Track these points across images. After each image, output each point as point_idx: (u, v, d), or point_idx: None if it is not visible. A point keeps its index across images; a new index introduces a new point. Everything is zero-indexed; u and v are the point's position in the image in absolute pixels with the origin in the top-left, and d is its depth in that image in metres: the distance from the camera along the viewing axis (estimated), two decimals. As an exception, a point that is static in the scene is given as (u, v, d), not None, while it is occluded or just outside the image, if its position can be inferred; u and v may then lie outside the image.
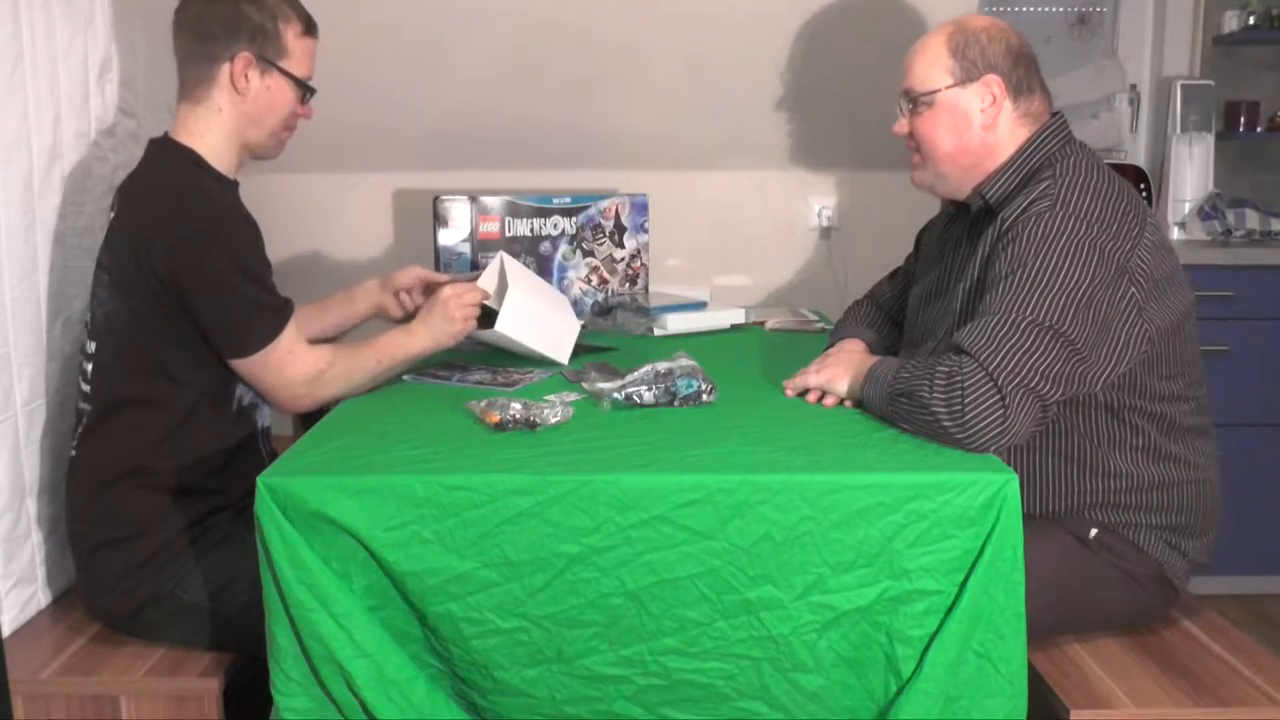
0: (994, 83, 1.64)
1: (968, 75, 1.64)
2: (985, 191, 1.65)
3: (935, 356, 1.49)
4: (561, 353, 1.96)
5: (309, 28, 1.76)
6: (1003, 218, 1.58)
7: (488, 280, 1.96)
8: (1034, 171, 1.62)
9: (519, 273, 1.97)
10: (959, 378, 1.41)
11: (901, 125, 1.72)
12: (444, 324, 1.81)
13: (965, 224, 1.74)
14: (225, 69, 1.68)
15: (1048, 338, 1.43)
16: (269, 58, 1.70)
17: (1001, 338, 1.43)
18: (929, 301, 1.79)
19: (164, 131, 1.75)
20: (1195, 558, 1.64)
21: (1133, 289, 1.50)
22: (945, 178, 1.71)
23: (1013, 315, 1.45)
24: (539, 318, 1.92)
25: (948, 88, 1.65)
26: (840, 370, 1.64)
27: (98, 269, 1.69)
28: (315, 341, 1.95)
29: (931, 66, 1.66)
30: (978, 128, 1.65)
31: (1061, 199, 1.53)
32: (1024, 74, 1.66)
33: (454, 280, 1.96)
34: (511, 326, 1.87)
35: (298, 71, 1.74)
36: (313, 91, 1.78)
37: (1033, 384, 1.41)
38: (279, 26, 1.70)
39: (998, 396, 1.40)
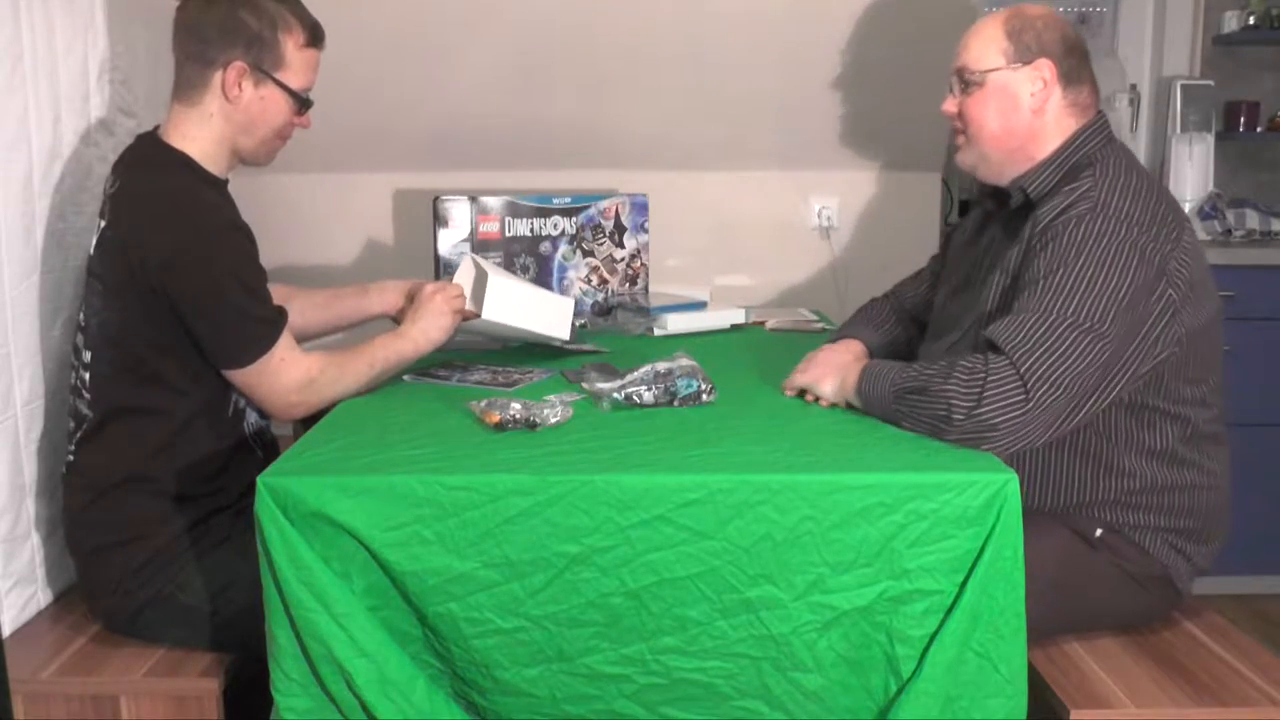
0: (1046, 67, 1.64)
1: (1021, 58, 1.65)
2: (1026, 185, 1.65)
3: (955, 357, 1.49)
4: (560, 328, 1.95)
5: (313, 38, 1.71)
6: (1040, 215, 1.58)
7: (460, 278, 1.96)
8: (1074, 169, 1.62)
9: (494, 266, 1.97)
10: (982, 372, 1.41)
11: (950, 104, 1.73)
12: (435, 319, 1.80)
13: (1001, 220, 1.74)
14: (218, 76, 1.65)
15: (1085, 341, 1.42)
16: (265, 68, 1.66)
17: (1038, 338, 1.42)
18: (957, 294, 1.79)
19: (154, 125, 1.73)
20: (1199, 563, 1.64)
21: (1170, 291, 1.50)
22: (989, 159, 1.70)
23: (1051, 316, 1.44)
24: (525, 300, 1.91)
25: (1000, 69, 1.65)
26: (823, 371, 1.64)
27: (90, 276, 1.68)
28: (316, 334, 1.95)
29: (987, 47, 1.67)
30: (1026, 111, 1.65)
31: (1102, 201, 1.53)
32: (1076, 64, 1.66)
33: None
34: (499, 311, 1.86)
35: (295, 84, 1.69)
36: (309, 104, 1.74)
37: (1057, 399, 1.40)
38: (278, 36, 1.66)
39: (1022, 396, 1.39)
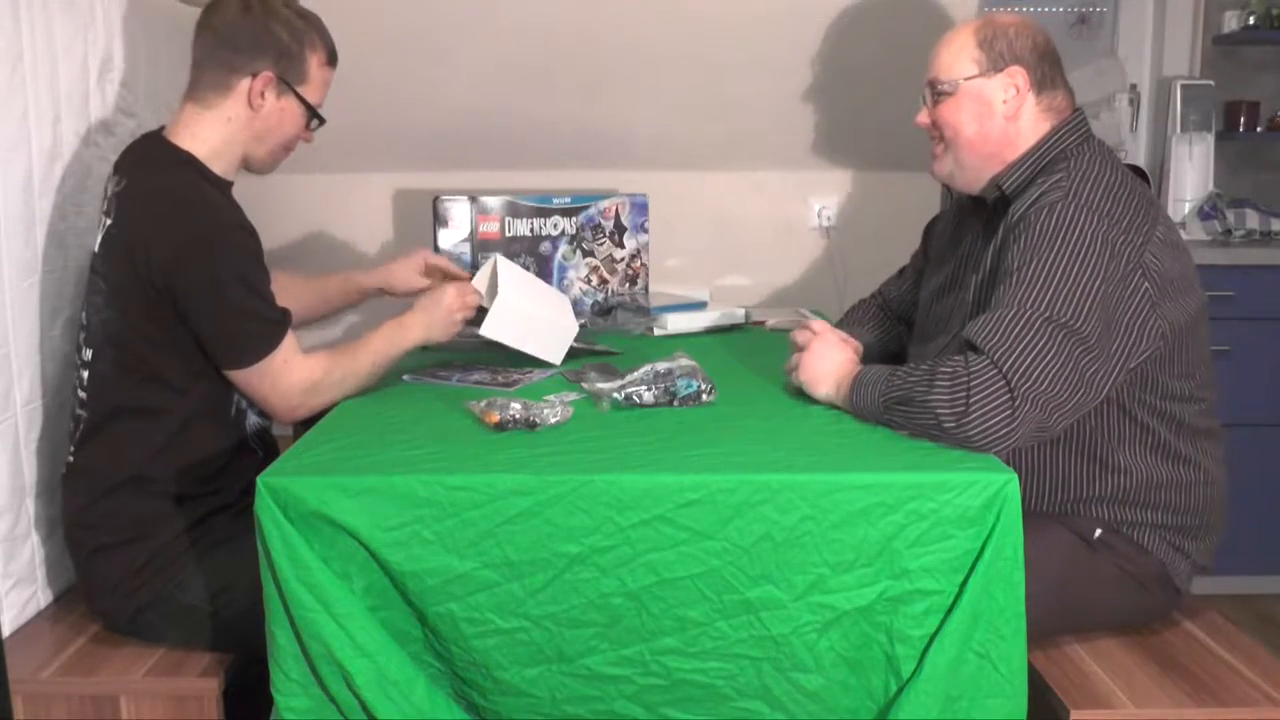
0: (1018, 74, 1.65)
1: (993, 66, 1.65)
2: (1001, 182, 1.66)
3: (935, 360, 1.48)
4: (553, 354, 1.95)
5: (331, 59, 1.77)
6: (1015, 208, 1.59)
7: (480, 281, 1.96)
8: (1049, 164, 1.63)
9: (513, 277, 1.96)
10: (964, 376, 1.41)
11: (924, 116, 1.73)
12: (444, 323, 1.82)
13: (981, 218, 1.74)
14: (245, 83, 1.68)
15: (1061, 335, 1.42)
16: (289, 81, 1.70)
17: (1016, 335, 1.42)
18: (942, 295, 1.79)
19: (155, 128, 1.74)
20: (1198, 560, 1.64)
21: (1146, 284, 1.50)
22: (965, 166, 1.71)
23: (1027, 311, 1.44)
24: (528, 322, 1.91)
25: (973, 77, 1.66)
26: (817, 377, 1.62)
27: (92, 275, 1.68)
28: (308, 319, 2.04)
29: (958, 57, 1.68)
30: (1000, 117, 1.66)
31: (1073, 191, 1.53)
32: (1048, 69, 1.67)
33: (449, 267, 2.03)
34: (496, 331, 1.87)
35: (312, 99, 1.75)
36: (322, 121, 1.78)
37: (1043, 392, 1.40)
38: (305, 52, 1.71)
39: (1008, 396, 1.39)
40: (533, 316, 1.92)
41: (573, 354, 2.01)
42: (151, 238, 1.58)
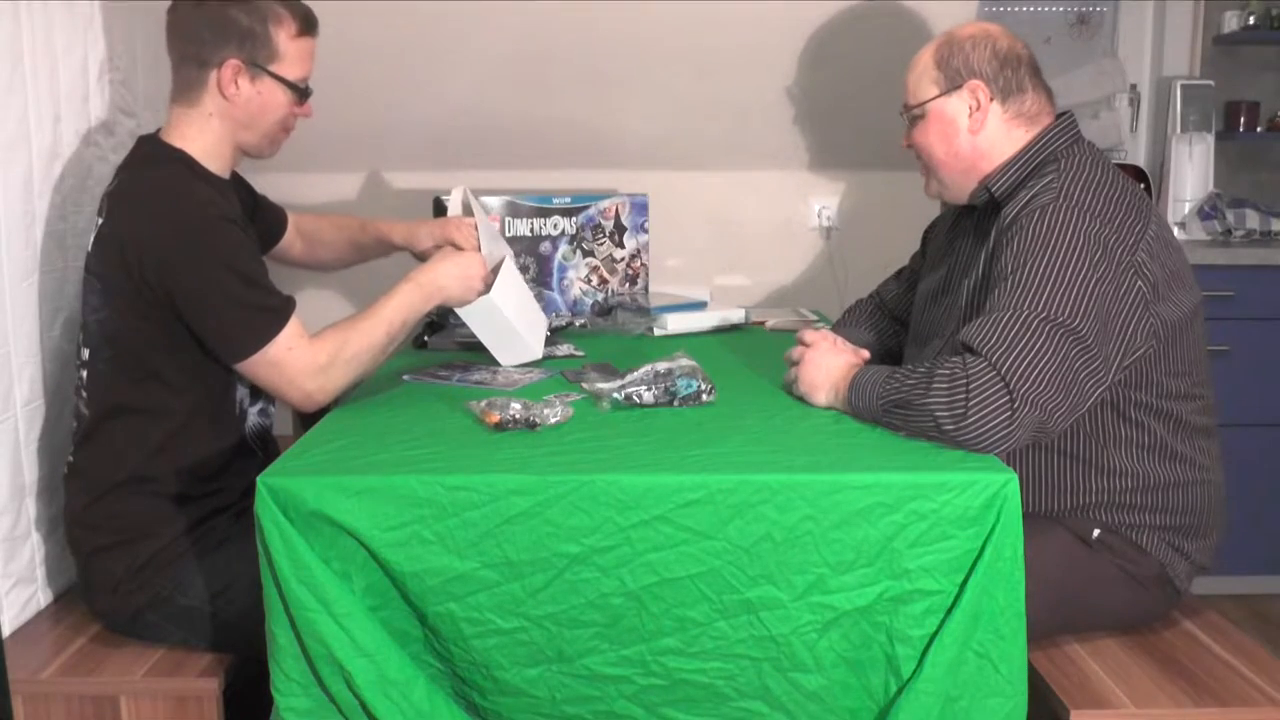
0: (978, 89, 1.66)
1: (951, 83, 1.68)
2: (991, 185, 1.66)
3: (932, 362, 1.48)
4: (505, 359, 1.96)
5: (306, 26, 1.70)
6: (1006, 212, 1.59)
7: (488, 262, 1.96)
8: (1039, 166, 1.63)
9: (510, 282, 1.95)
10: (963, 379, 1.41)
11: (906, 139, 1.77)
12: (465, 289, 1.80)
13: (973, 221, 1.75)
14: (214, 75, 1.65)
15: (1059, 335, 1.42)
16: (259, 63, 1.66)
17: (1013, 336, 1.42)
18: (936, 299, 1.79)
19: (155, 128, 1.74)
20: (1198, 559, 1.64)
21: (1139, 283, 1.50)
22: (946, 184, 1.74)
23: (1023, 312, 1.44)
24: (501, 325, 1.91)
25: (934, 98, 1.69)
26: (816, 381, 1.62)
27: (87, 275, 1.67)
28: (341, 264, 2.13)
29: (921, 79, 1.71)
30: (965, 133, 1.68)
31: (1065, 192, 1.53)
32: (1013, 75, 1.67)
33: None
34: (471, 318, 1.87)
35: (291, 74, 1.69)
36: (308, 93, 1.74)
37: (1041, 393, 1.40)
38: (269, 30, 1.66)
39: (1007, 397, 1.39)
40: (508, 323, 1.91)
41: (554, 356, 2.03)
42: (142, 234, 1.58)
